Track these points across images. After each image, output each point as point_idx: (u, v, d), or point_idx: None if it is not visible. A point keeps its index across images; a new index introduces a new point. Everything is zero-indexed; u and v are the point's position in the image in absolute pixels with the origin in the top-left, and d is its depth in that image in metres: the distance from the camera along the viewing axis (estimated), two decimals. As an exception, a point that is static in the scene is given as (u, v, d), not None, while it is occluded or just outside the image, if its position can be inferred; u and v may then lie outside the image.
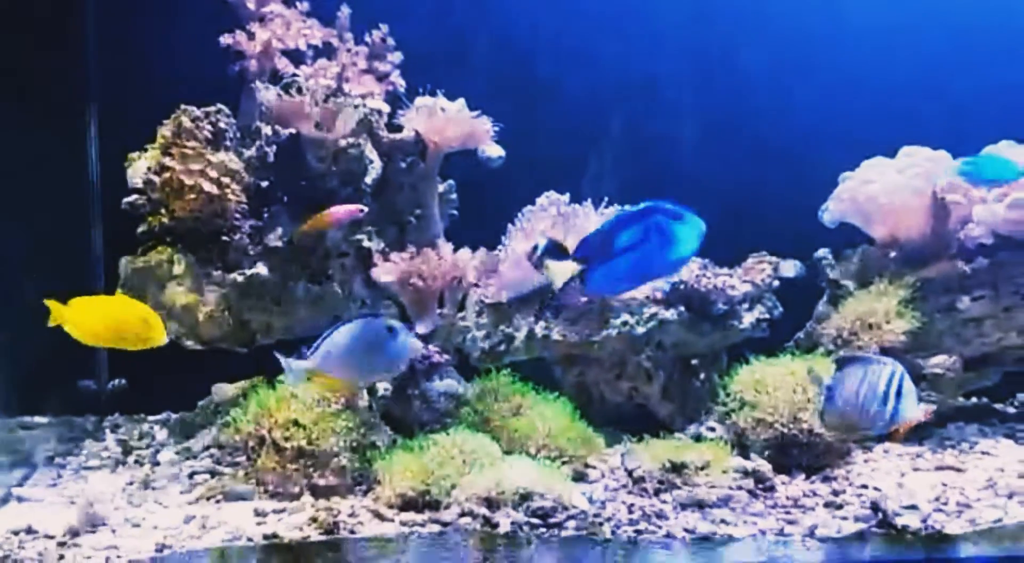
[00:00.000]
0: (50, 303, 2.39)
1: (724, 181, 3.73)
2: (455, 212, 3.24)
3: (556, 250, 2.64)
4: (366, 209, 2.84)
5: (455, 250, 2.94)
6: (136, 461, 2.89)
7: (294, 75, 2.96)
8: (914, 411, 2.31)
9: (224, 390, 3.06)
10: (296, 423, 2.51)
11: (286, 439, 2.50)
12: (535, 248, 2.54)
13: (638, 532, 2.34)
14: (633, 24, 3.61)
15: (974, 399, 3.52)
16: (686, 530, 2.35)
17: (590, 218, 3.18)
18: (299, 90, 2.79)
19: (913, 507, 2.50)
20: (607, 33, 3.60)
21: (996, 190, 3.05)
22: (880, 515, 2.41)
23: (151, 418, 3.38)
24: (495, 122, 3.05)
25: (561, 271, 2.24)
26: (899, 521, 2.40)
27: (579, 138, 3.64)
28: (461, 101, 3.12)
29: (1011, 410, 3.48)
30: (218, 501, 2.53)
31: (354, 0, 3.19)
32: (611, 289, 2.52)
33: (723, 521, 2.41)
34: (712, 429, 2.92)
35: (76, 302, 2.41)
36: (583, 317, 3.05)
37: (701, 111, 3.74)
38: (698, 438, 2.93)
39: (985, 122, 3.35)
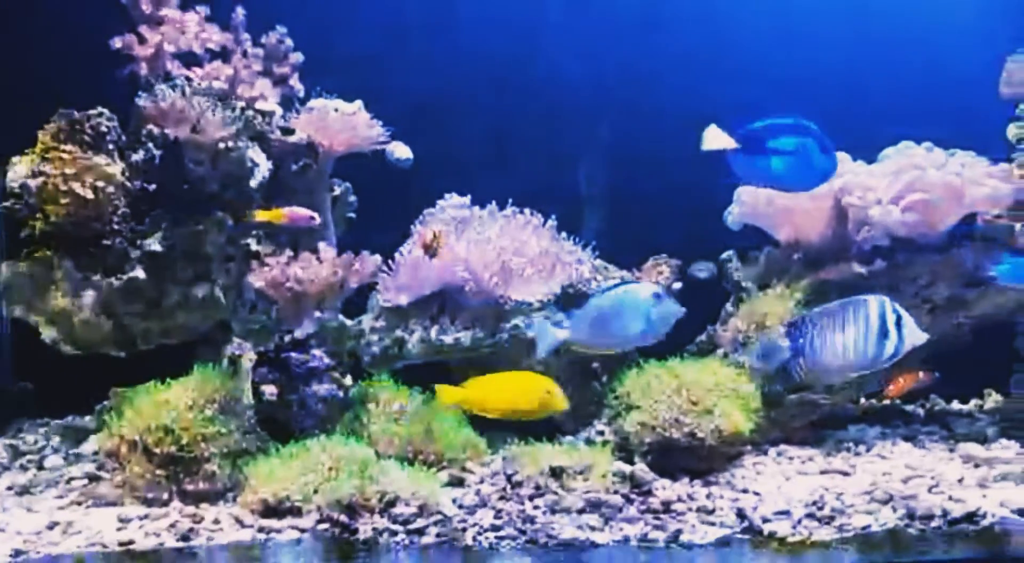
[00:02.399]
0: (443, 388, 2.56)
1: (637, 183, 3.72)
2: (353, 215, 3.22)
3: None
4: (318, 219, 2.85)
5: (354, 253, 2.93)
6: (22, 466, 2.89)
7: (187, 78, 2.95)
8: (918, 335, 2.29)
9: (126, 394, 3.04)
10: (166, 429, 2.50)
11: (156, 444, 2.50)
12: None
13: (500, 539, 2.33)
14: (538, 26, 3.59)
15: (876, 401, 3.53)
16: (549, 536, 2.34)
17: (488, 221, 3.18)
18: (183, 93, 2.77)
19: (785, 513, 2.49)
20: (513, 35, 3.58)
21: (892, 192, 3.04)
22: (745, 521, 2.40)
23: (56, 422, 3.37)
24: (387, 125, 3.04)
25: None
26: (769, 527, 2.40)
27: (493, 140, 3.63)
28: (358, 103, 3.11)
29: (920, 411, 3.48)
30: (87, 507, 2.52)
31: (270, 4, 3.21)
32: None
33: (590, 527, 2.40)
34: (601, 433, 2.91)
35: (473, 383, 2.54)
36: (477, 321, 3.04)
37: (612, 113, 3.73)
38: (589, 442, 2.92)
39: (892, 123, 3.35)
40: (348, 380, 2.97)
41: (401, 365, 3.03)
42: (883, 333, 2.33)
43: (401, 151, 3.29)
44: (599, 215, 3.76)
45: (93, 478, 2.69)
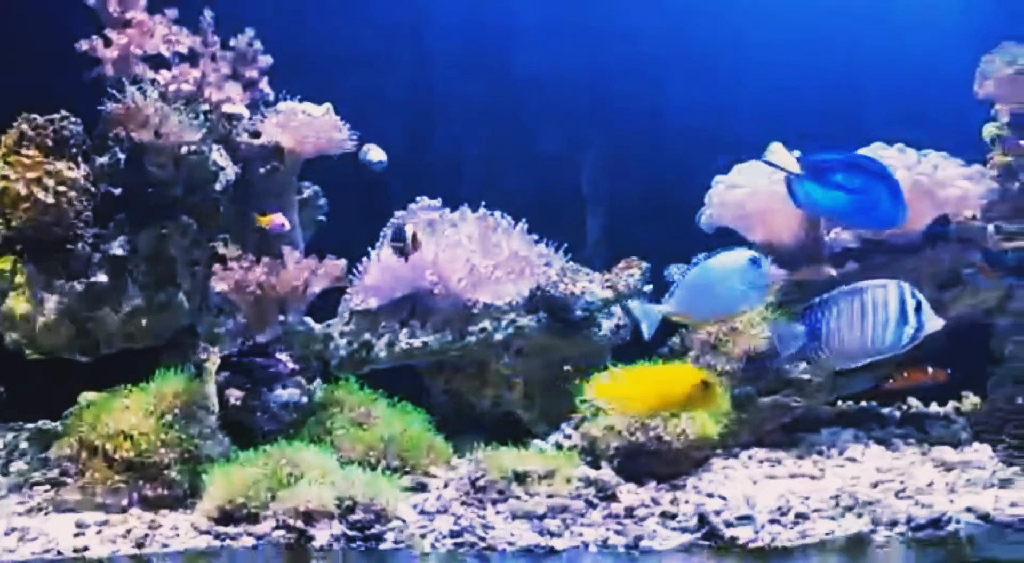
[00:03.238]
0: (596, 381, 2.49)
1: (616, 186, 3.71)
2: (323, 218, 3.21)
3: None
4: (287, 225, 2.82)
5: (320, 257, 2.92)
6: (-13, 471, 2.88)
7: (152, 81, 2.93)
8: (936, 322, 2.29)
9: (90, 399, 3.04)
10: (125, 435, 2.49)
11: (115, 450, 2.48)
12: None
13: (458, 545, 2.32)
14: (512, 29, 3.58)
15: (855, 403, 3.50)
16: (508, 542, 2.33)
17: (458, 224, 3.16)
18: (145, 96, 2.76)
19: (748, 518, 2.47)
20: (485, 38, 3.57)
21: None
22: (706, 527, 2.38)
23: (29, 426, 3.36)
24: (353, 130, 3.03)
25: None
26: (731, 532, 2.38)
27: (468, 143, 3.61)
28: (327, 106, 3.09)
29: (897, 414, 3.45)
30: (47, 513, 2.51)
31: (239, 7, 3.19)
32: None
33: (550, 532, 2.38)
34: (568, 437, 2.90)
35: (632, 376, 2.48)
36: (447, 324, 3.03)
37: (590, 115, 3.71)
38: (557, 446, 2.90)
39: (863, 124, 3.34)
40: (318, 383, 2.97)
41: (368, 369, 3.02)
42: (902, 319, 2.31)
43: (375, 154, 3.27)
44: (577, 218, 3.74)
45: (56, 484, 2.68)
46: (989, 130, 3.30)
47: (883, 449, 3.04)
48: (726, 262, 2.39)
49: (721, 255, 2.40)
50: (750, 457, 2.99)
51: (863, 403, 3.52)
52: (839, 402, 3.49)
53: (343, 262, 2.80)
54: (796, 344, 2.38)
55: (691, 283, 2.38)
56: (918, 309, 2.29)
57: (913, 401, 3.52)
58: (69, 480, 2.67)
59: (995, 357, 3.21)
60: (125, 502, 2.48)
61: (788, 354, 2.47)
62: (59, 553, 2.25)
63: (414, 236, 2.85)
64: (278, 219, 2.76)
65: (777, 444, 3.08)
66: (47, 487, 2.67)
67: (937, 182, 2.99)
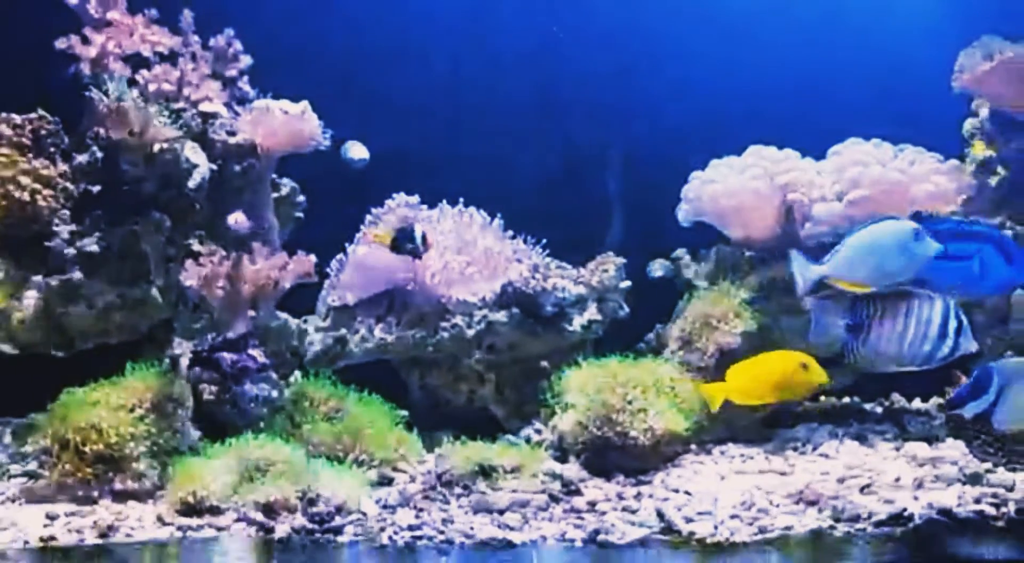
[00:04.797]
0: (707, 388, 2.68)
1: (597, 180, 3.72)
2: (301, 215, 3.24)
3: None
4: (244, 224, 2.87)
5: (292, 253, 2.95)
6: (-32, 464, 2.94)
7: (132, 80, 2.97)
8: (972, 345, 2.31)
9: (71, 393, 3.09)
10: (95, 428, 2.53)
11: (85, 443, 2.53)
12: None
13: (416, 538, 2.34)
14: (490, 25, 3.59)
15: (837, 399, 3.49)
16: (466, 535, 2.35)
17: (433, 220, 3.19)
18: (119, 94, 2.81)
19: (708, 513, 2.48)
20: (463, 35, 3.59)
21: (836, 188, 3.02)
22: (664, 521, 2.39)
23: (16, 421, 3.42)
24: (328, 128, 3.06)
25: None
26: (690, 527, 2.38)
27: (445, 140, 3.63)
28: (304, 103, 3.12)
29: (879, 410, 3.44)
30: (21, 504, 2.57)
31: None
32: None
33: (509, 526, 2.40)
34: (539, 432, 2.92)
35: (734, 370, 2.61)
36: (421, 320, 3.06)
37: (574, 113, 3.72)
38: (529, 441, 2.93)
39: (843, 119, 3.32)
40: (297, 377, 3.01)
41: (343, 364, 3.05)
42: (941, 335, 2.31)
43: (356, 151, 3.31)
44: (564, 214, 3.74)
45: (32, 476, 2.73)
46: (969, 125, 3.29)
47: (858, 445, 3.04)
48: (889, 230, 2.39)
49: (886, 223, 2.38)
50: (723, 453, 2.99)
51: (846, 399, 3.51)
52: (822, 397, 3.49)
53: (312, 258, 2.83)
54: (832, 332, 2.38)
55: (852, 247, 2.36)
56: (959, 330, 2.29)
57: (896, 397, 3.51)
58: (45, 472, 2.74)
59: (975, 353, 3.19)
60: (95, 494, 2.53)
61: (819, 338, 2.46)
62: (26, 543, 2.30)
63: (424, 236, 2.87)
64: (238, 218, 2.78)
65: (752, 440, 3.09)
66: (24, 479, 2.73)
67: (912, 177, 2.97)
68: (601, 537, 2.33)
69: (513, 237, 3.22)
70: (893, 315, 2.32)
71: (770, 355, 2.63)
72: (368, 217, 3.22)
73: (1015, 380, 2.21)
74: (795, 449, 3.01)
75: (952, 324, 2.30)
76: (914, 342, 2.31)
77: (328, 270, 3.17)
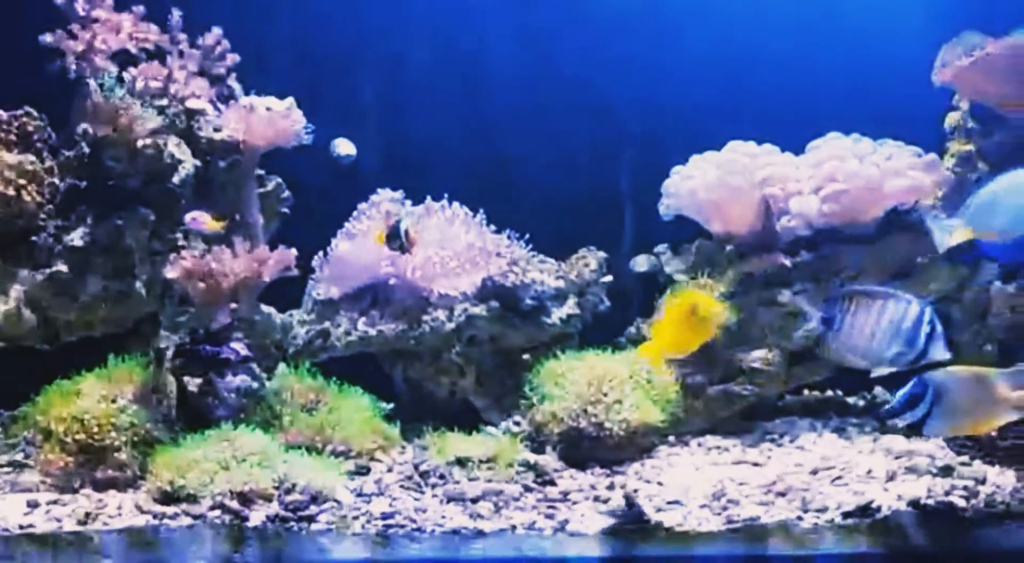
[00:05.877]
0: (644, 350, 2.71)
1: (583, 175, 3.74)
2: (286, 210, 3.28)
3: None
4: (205, 223, 2.91)
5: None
6: (-44, 455, 3.00)
7: (120, 77, 3.02)
8: (942, 354, 2.29)
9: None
10: (77, 418, 2.59)
11: (67, 433, 2.58)
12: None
13: (388, 526, 2.38)
14: (472, 20, 3.62)
15: (820, 393, 3.51)
16: (437, 524, 2.39)
17: (416, 215, 3.23)
18: (102, 90, 2.86)
19: (678, 502, 2.51)
20: (445, 32, 3.62)
21: (813, 183, 3.04)
22: (633, 511, 2.42)
23: (4, 412, 3.47)
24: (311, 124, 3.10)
25: None
26: (659, 516, 2.41)
27: (423, 135, 3.65)
28: (289, 100, 3.16)
29: (861, 403, 3.46)
30: (5, 493, 2.62)
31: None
32: None
33: (479, 515, 2.44)
34: (517, 423, 2.95)
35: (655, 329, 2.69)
36: (404, 313, 3.10)
37: (561, 108, 3.74)
38: (508, 433, 2.96)
39: (828, 114, 3.33)
40: (282, 369, 3.05)
41: (327, 357, 3.10)
42: (912, 339, 2.32)
43: (344, 147, 3.35)
44: (547, 209, 3.77)
45: (18, 465, 2.79)
46: (951, 119, 3.30)
47: (836, 437, 3.06)
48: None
49: (1020, 171, 2.35)
50: (700, 444, 3.02)
51: (829, 392, 3.53)
52: (806, 391, 3.51)
53: (293, 252, 2.87)
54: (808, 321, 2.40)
55: (987, 199, 2.34)
56: (930, 336, 2.29)
57: (879, 390, 3.52)
58: (30, 462, 2.80)
59: (954, 347, 3.20)
60: (77, 483, 2.58)
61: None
62: (5, 530, 2.35)
63: (406, 232, 2.91)
64: (196, 217, 2.81)
65: (732, 432, 3.12)
66: (9, 469, 2.79)
67: (888, 172, 2.99)
68: (570, 526, 2.38)
69: (497, 232, 3.25)
70: (867, 313, 2.32)
71: (672, 307, 2.65)
72: (354, 212, 3.26)
73: (948, 391, 2.23)
74: (773, 441, 3.04)
75: (924, 329, 2.30)
76: (883, 342, 2.31)
77: (313, 264, 3.21)
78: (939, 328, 2.29)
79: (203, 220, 2.81)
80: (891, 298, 2.31)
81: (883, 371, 2.38)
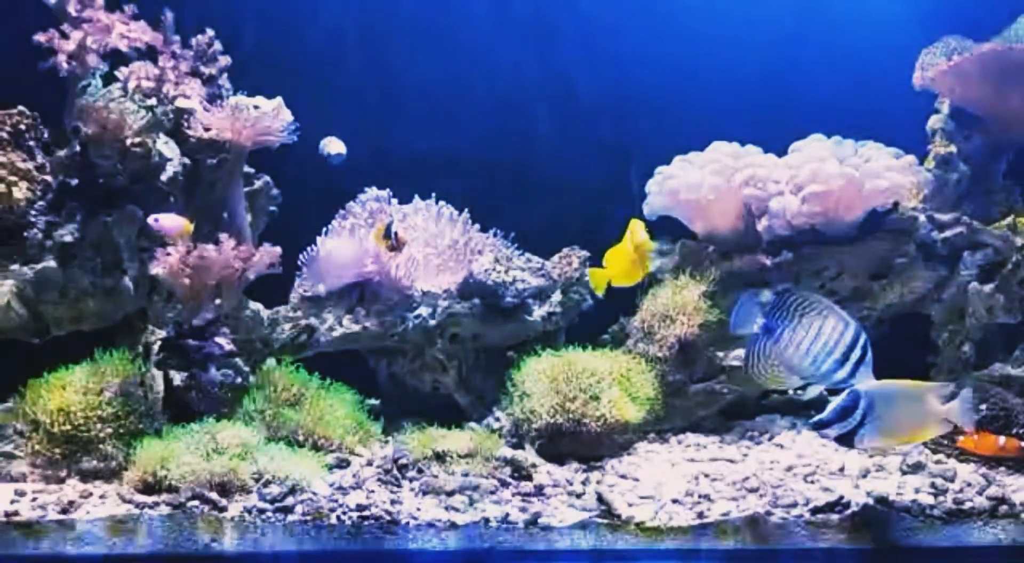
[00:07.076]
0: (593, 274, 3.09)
1: (575, 174, 3.77)
2: (275, 209, 3.33)
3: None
4: (163, 228, 2.91)
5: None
6: (-51, 445, 3.06)
7: (111, 76, 3.08)
8: (867, 382, 2.31)
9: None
10: (63, 410, 2.64)
11: (53, 424, 2.64)
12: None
13: (363, 518, 2.42)
14: (465, 20, 3.66)
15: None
16: (412, 517, 2.43)
17: (401, 214, 3.28)
18: (92, 90, 2.92)
19: (650, 498, 2.55)
20: (430, 31, 3.66)
21: (793, 184, 3.07)
22: (604, 505, 2.46)
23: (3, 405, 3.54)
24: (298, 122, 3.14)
25: None
26: (631, 511, 2.46)
27: (414, 134, 3.69)
28: (278, 100, 3.20)
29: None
30: (-7, 483, 2.68)
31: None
32: None
33: (454, 508, 2.48)
34: (498, 419, 2.99)
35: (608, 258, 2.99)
36: (388, 310, 3.14)
37: (547, 107, 3.78)
38: (490, 428, 3.00)
39: (814, 116, 3.36)
40: (270, 364, 3.10)
41: (313, 352, 3.14)
42: (840, 361, 2.36)
43: (334, 147, 3.39)
44: (534, 207, 3.81)
45: (8, 456, 2.84)
46: (933, 121, 3.32)
47: (814, 436, 3.08)
48: None
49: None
50: (679, 441, 3.06)
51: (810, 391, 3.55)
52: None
53: (278, 249, 2.92)
54: (749, 326, 2.43)
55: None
56: (860, 361, 2.32)
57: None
58: (19, 453, 2.86)
59: (935, 347, 3.23)
60: (63, 473, 2.64)
61: (737, 328, 2.50)
62: (-8, 517, 2.41)
63: (396, 233, 2.97)
64: (158, 218, 2.85)
65: (712, 430, 3.15)
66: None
67: (867, 173, 3.02)
68: (542, 520, 2.42)
69: (482, 230, 3.30)
70: (806, 328, 2.36)
71: (620, 246, 2.97)
72: (341, 211, 3.31)
73: (880, 403, 2.27)
74: (751, 439, 3.07)
75: (855, 355, 2.33)
76: (817, 359, 2.35)
77: (300, 262, 3.26)
78: (869, 354, 2.32)
79: (166, 224, 2.83)
80: (832, 314, 2.34)
81: (802, 386, 2.40)
